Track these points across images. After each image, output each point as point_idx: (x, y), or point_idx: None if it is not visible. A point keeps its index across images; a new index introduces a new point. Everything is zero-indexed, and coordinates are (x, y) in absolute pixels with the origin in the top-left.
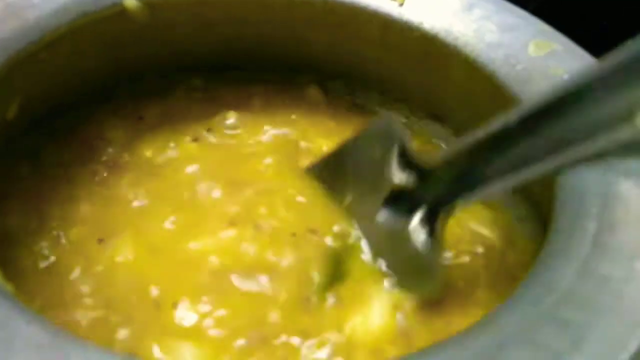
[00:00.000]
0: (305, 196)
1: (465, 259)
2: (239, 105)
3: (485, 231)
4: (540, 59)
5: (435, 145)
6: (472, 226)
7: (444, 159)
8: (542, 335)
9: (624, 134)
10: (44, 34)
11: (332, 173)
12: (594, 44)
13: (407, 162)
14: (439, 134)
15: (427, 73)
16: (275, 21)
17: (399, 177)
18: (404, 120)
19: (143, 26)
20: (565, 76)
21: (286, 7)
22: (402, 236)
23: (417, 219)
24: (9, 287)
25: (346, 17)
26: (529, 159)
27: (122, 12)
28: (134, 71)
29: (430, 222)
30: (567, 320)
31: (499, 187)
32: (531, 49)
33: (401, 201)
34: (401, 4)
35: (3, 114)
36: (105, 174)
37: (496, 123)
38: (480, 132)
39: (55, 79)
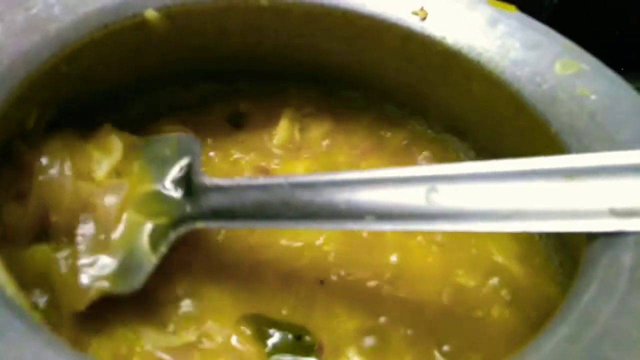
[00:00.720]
0: None
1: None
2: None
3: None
4: (566, 79)
5: (453, 154)
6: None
7: (215, 187)
8: None
9: None
10: (65, 46)
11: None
12: (606, 53)
13: (185, 175)
14: (457, 147)
15: (448, 87)
16: (294, 31)
17: (169, 183)
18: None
19: (162, 36)
20: (593, 97)
21: (305, 17)
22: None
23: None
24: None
25: (365, 29)
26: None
27: (142, 23)
28: (153, 79)
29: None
30: (610, 357)
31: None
32: (557, 68)
33: (160, 202)
34: (423, 18)
35: (23, 124)
36: None
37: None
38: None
39: (74, 89)
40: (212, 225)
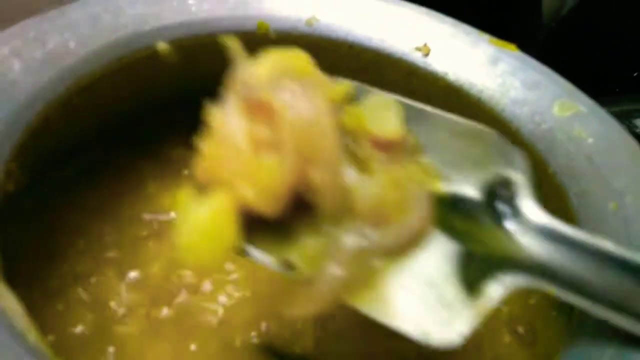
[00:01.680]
0: None
1: None
2: None
3: None
4: (564, 120)
5: None
6: None
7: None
8: None
9: None
10: (79, 80)
11: None
12: (595, 83)
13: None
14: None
15: None
16: None
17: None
18: None
19: (173, 66)
20: (590, 140)
21: (311, 49)
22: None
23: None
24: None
25: (370, 62)
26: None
27: (154, 55)
28: (163, 107)
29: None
30: None
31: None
32: (556, 109)
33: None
34: (426, 55)
35: (34, 159)
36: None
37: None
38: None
39: (87, 119)
40: (545, 286)
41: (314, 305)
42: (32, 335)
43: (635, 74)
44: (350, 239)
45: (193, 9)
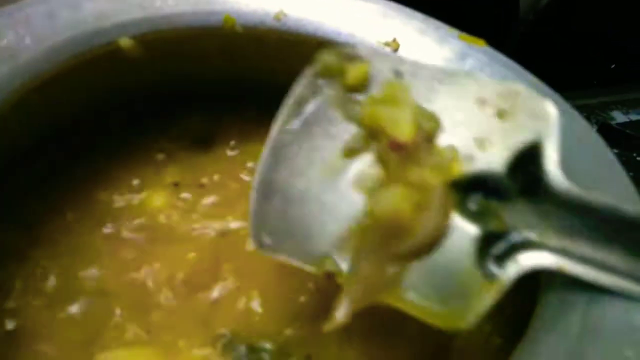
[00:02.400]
0: None
1: None
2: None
3: None
4: None
5: None
6: None
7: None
8: None
9: None
10: (36, 76)
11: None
12: (572, 75)
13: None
14: None
15: None
16: (270, 56)
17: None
18: None
19: (137, 62)
20: None
21: (279, 43)
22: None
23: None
24: None
25: None
26: None
27: (116, 51)
28: (122, 105)
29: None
30: None
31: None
32: None
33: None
34: (395, 50)
35: None
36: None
37: None
38: None
39: (44, 118)
40: (561, 263)
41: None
42: None
43: (612, 66)
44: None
45: (157, 3)
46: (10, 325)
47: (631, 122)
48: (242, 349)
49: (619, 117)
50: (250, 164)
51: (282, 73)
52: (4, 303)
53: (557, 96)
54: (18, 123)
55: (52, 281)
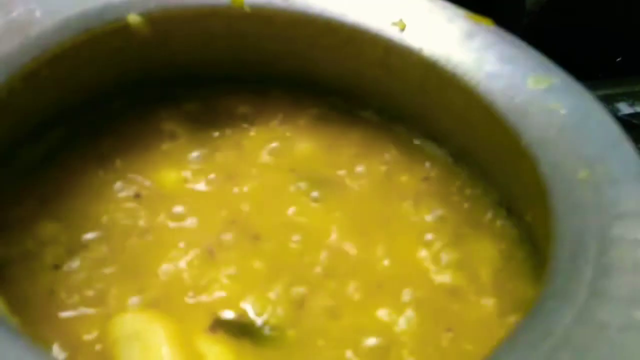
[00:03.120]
0: None
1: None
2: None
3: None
4: (539, 93)
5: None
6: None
7: None
8: None
9: None
10: (46, 50)
11: None
12: (578, 67)
13: None
14: (435, 153)
15: (426, 97)
16: (277, 37)
17: None
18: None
19: (145, 40)
20: (563, 111)
21: (288, 24)
22: None
23: None
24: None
25: (348, 39)
26: None
27: (125, 28)
28: (135, 84)
29: None
30: None
31: None
32: (530, 82)
33: None
34: (402, 29)
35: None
36: None
37: None
38: None
39: (54, 93)
40: None
41: None
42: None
43: (618, 59)
44: None
45: None
46: None
47: (637, 113)
48: None
49: (624, 108)
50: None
51: (285, 54)
52: None
53: (565, 74)
54: (28, 98)
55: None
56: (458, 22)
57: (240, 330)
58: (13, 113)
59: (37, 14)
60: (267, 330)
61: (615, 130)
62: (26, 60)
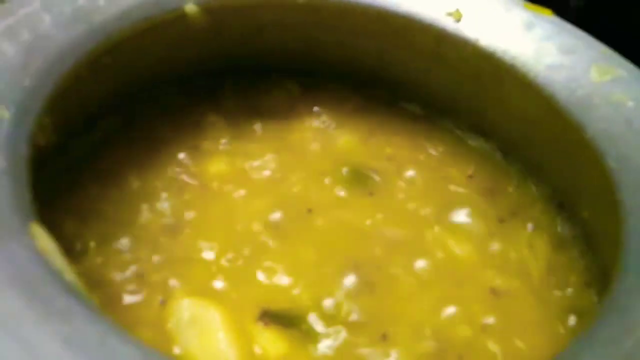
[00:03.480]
0: None
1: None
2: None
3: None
4: (602, 85)
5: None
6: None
7: None
8: None
9: None
10: (109, 38)
11: None
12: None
13: None
14: (483, 148)
15: (478, 89)
16: (326, 27)
17: None
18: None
19: (201, 30)
20: (630, 103)
21: (338, 14)
22: None
23: None
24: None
25: (399, 28)
26: None
27: (182, 17)
28: (190, 74)
29: None
30: None
31: None
32: (593, 74)
33: None
34: (458, 20)
35: (65, 117)
36: None
37: None
38: None
39: (114, 80)
40: None
41: None
42: (68, 274)
43: None
44: None
45: None
46: None
47: None
48: None
49: None
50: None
51: (334, 45)
52: None
53: (630, 65)
54: (90, 85)
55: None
56: (516, 12)
57: (290, 322)
58: (76, 100)
59: (101, 2)
60: (317, 325)
61: None
62: (91, 47)
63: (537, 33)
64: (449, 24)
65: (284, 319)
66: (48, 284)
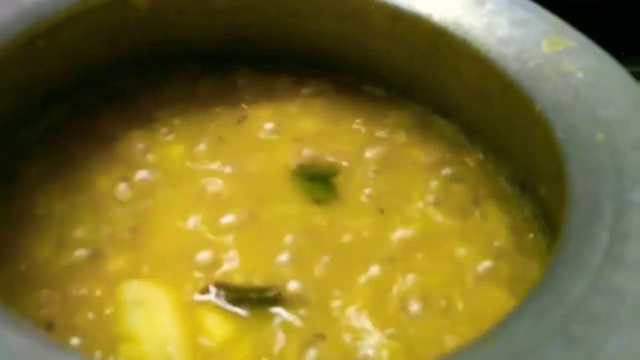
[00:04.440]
0: None
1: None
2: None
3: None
4: (553, 56)
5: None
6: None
7: None
8: (550, 351)
9: None
10: (41, 21)
11: None
12: (604, 36)
13: None
14: (445, 129)
15: (436, 67)
16: (284, 11)
17: None
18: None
19: (144, 14)
20: (579, 74)
21: None
22: None
23: None
24: None
25: (355, 8)
26: None
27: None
28: (134, 59)
29: None
30: (578, 336)
31: None
32: (545, 46)
33: None
34: None
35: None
36: None
37: None
38: None
39: (51, 66)
40: None
41: None
42: None
43: None
44: None
45: None
46: None
47: None
48: None
49: None
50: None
51: (290, 28)
52: None
53: (582, 36)
54: (28, 70)
55: None
56: None
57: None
58: (14, 85)
59: None
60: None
61: (637, 93)
62: (21, 29)
63: (488, 7)
64: (402, 1)
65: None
66: None
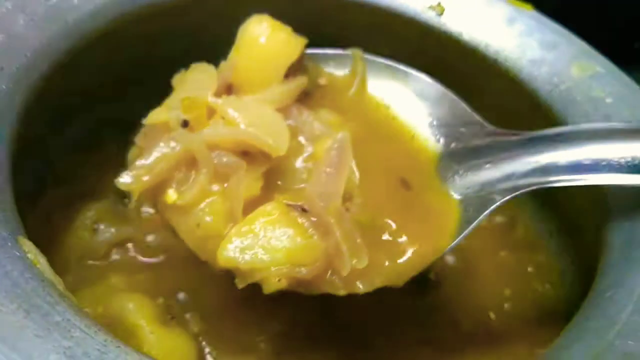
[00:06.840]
0: None
1: None
2: None
3: None
4: (583, 81)
5: None
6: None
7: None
8: None
9: None
10: (84, 36)
11: None
12: (611, 45)
13: None
14: None
15: (464, 83)
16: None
17: None
18: None
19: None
20: (608, 100)
21: (322, 8)
22: None
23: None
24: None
25: (383, 21)
26: None
27: (158, 12)
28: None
29: None
30: (631, 353)
31: None
32: (574, 70)
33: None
34: (440, 14)
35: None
36: None
37: None
38: None
39: (91, 77)
40: None
41: None
42: (60, 285)
43: (635, 46)
44: None
45: None
46: None
47: None
48: None
49: None
50: None
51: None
52: None
53: (608, 62)
54: (69, 80)
55: None
56: (498, 6)
57: None
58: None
59: (75, 0)
60: None
61: None
62: (66, 46)
63: (518, 28)
64: (431, 17)
65: None
66: (43, 296)
